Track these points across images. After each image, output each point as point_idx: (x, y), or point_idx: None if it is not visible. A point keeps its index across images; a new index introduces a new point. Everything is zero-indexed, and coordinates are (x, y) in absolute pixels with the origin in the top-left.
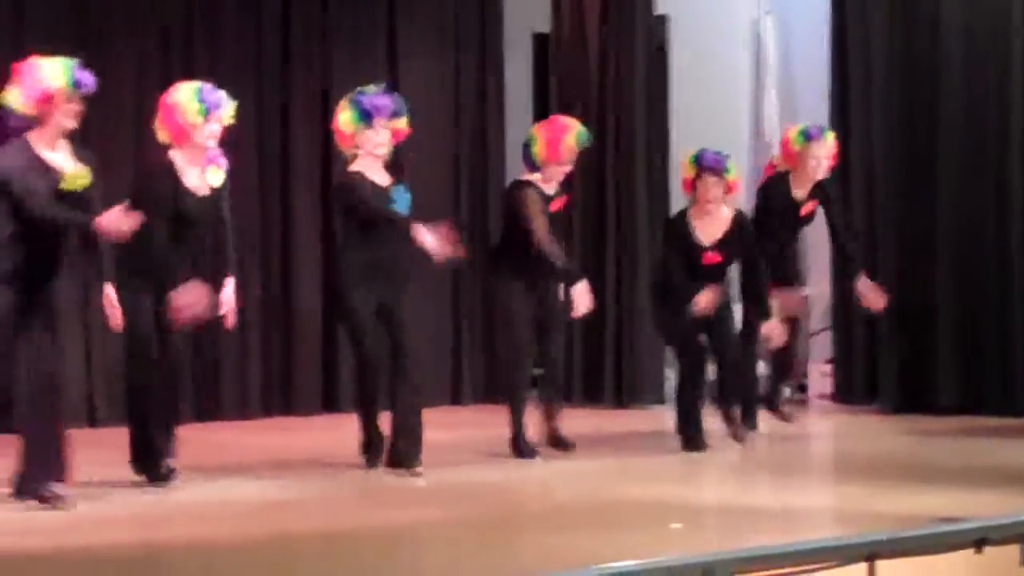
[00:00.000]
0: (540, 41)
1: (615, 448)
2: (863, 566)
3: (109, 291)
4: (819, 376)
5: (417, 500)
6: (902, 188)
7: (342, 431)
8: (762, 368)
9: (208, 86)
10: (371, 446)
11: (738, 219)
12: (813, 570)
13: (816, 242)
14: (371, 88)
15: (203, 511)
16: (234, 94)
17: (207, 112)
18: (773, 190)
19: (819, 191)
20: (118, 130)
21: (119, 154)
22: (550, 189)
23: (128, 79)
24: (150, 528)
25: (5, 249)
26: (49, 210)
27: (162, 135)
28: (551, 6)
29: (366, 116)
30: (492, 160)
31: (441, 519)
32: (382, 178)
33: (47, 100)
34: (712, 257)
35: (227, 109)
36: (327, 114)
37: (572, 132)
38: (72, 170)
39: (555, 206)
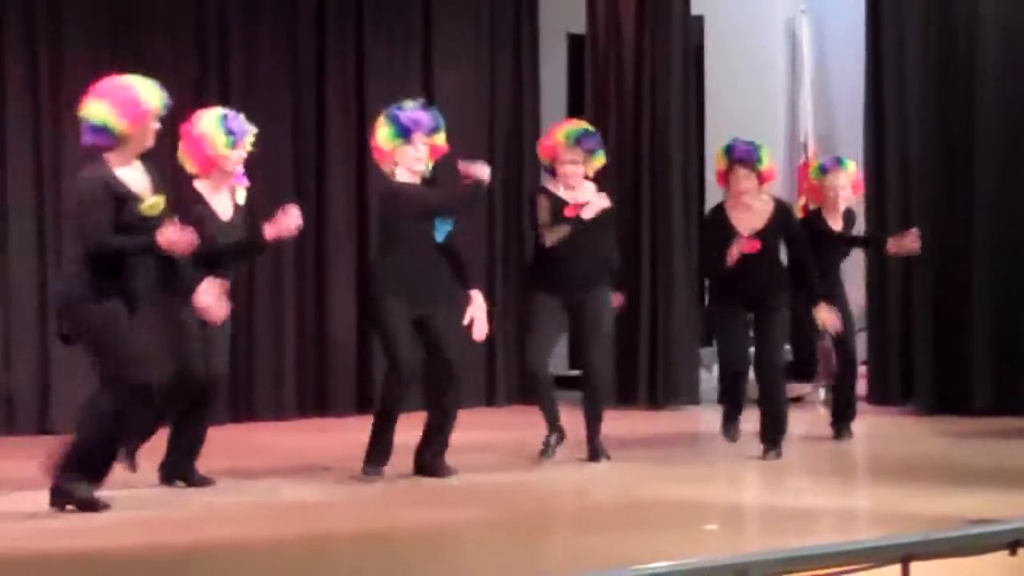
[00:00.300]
0: (575, 42)
1: (649, 449)
2: (897, 568)
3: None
4: None
5: (451, 501)
6: (937, 188)
7: None
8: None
9: (231, 113)
10: (379, 455)
11: (779, 208)
12: (847, 571)
13: None
14: (409, 103)
15: (237, 512)
16: (270, 99)
17: (234, 143)
18: (812, 227)
19: (848, 218)
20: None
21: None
22: (567, 193)
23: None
24: (185, 530)
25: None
26: (114, 243)
27: (189, 166)
28: (586, 7)
29: (405, 132)
30: (527, 162)
31: (475, 519)
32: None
33: (141, 119)
34: (751, 244)
35: (250, 136)
36: (362, 117)
37: (560, 130)
38: (151, 198)
39: (570, 211)
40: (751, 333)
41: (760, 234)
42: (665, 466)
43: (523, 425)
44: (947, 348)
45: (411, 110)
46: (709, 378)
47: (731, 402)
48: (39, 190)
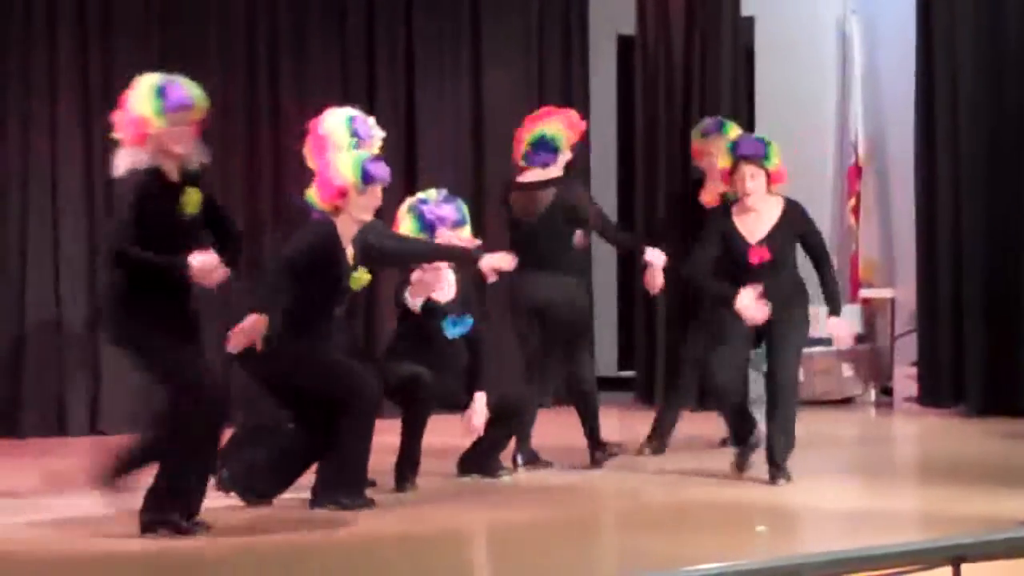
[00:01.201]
0: (625, 43)
1: (697, 450)
2: (948, 570)
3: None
4: (904, 379)
5: (500, 501)
6: (988, 188)
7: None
8: (848, 371)
9: (359, 116)
10: (412, 467)
11: (789, 208)
12: (898, 573)
13: (902, 244)
14: (432, 194)
15: (287, 514)
16: (319, 99)
17: (357, 145)
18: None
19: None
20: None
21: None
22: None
23: (215, 96)
24: (237, 532)
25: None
26: (139, 257)
27: (311, 164)
28: (636, 8)
29: (429, 227)
30: (576, 163)
31: (525, 520)
32: (443, 292)
33: (189, 110)
34: (760, 253)
35: (377, 140)
36: (411, 118)
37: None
38: (188, 194)
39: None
40: (752, 351)
41: (768, 239)
42: (714, 467)
43: (569, 426)
44: (998, 349)
45: (435, 204)
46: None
47: (735, 436)
48: (90, 190)
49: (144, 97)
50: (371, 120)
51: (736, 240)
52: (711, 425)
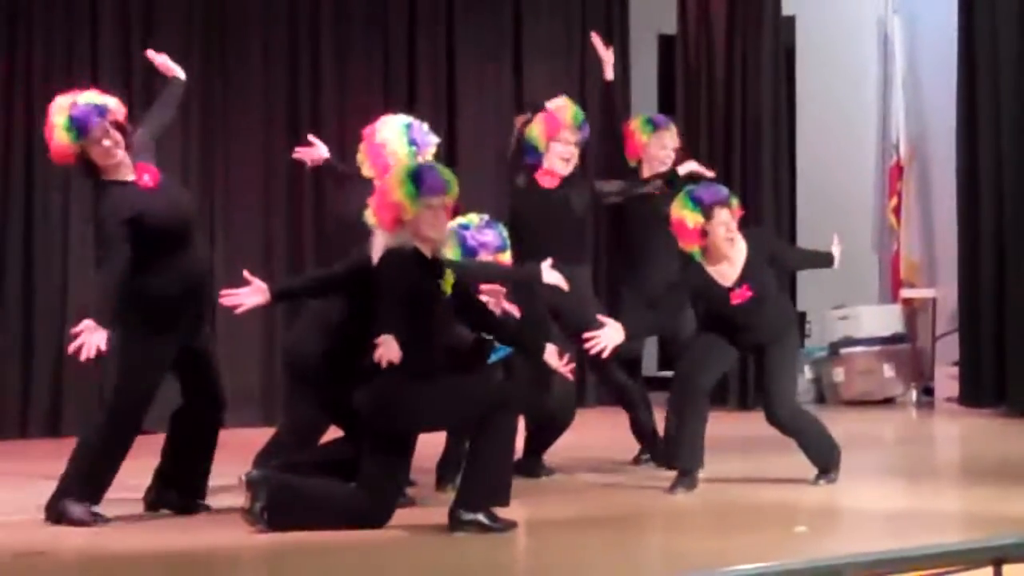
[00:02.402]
0: (666, 43)
1: (739, 451)
2: (989, 571)
3: None
4: (946, 379)
5: (541, 501)
6: None
7: None
8: (889, 371)
9: (416, 123)
10: (453, 467)
11: (749, 238)
12: (939, 574)
13: (943, 244)
14: (474, 219)
15: None
16: (360, 99)
17: (415, 154)
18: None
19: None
20: (248, 137)
21: (249, 157)
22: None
23: (256, 97)
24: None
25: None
26: (101, 280)
27: (366, 170)
28: (677, 8)
29: (470, 253)
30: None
31: (566, 519)
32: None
33: (442, 195)
34: (741, 295)
35: (432, 147)
36: (453, 118)
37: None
38: (446, 275)
39: None
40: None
41: (744, 278)
42: (754, 468)
43: (611, 426)
44: None
45: (477, 230)
46: (801, 380)
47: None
48: None
49: (399, 182)
50: (425, 126)
51: (714, 289)
52: (751, 425)
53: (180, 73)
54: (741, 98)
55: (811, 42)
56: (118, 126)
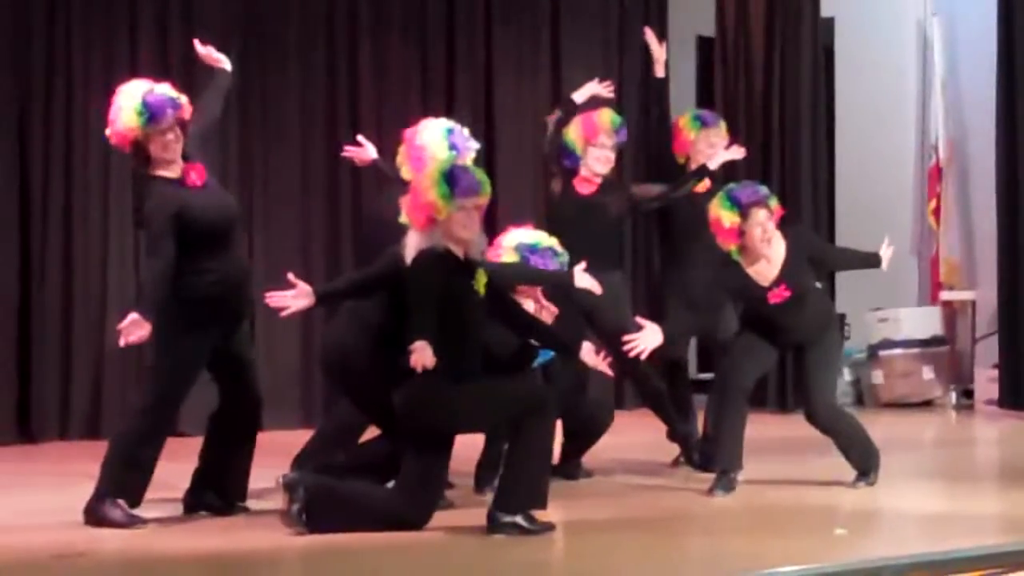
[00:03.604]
0: (704, 44)
1: (778, 453)
2: None
3: None
4: (985, 381)
5: (581, 503)
6: None
7: None
8: (928, 373)
9: (456, 127)
10: (491, 469)
11: (790, 237)
12: None
13: (982, 246)
14: (543, 241)
15: None
16: (398, 100)
17: (456, 159)
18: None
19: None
20: (283, 141)
21: (287, 158)
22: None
23: (294, 97)
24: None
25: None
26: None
27: (405, 173)
28: (715, 10)
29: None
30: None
31: (603, 522)
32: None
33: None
34: (780, 293)
35: (472, 152)
36: (490, 120)
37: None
38: (479, 275)
39: None
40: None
41: (783, 277)
42: (793, 469)
43: (649, 428)
44: None
45: (541, 254)
46: (840, 382)
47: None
48: None
49: (433, 183)
50: (466, 131)
51: (752, 288)
52: (790, 427)
53: (227, 64)
54: (780, 100)
55: (850, 44)
56: (182, 125)
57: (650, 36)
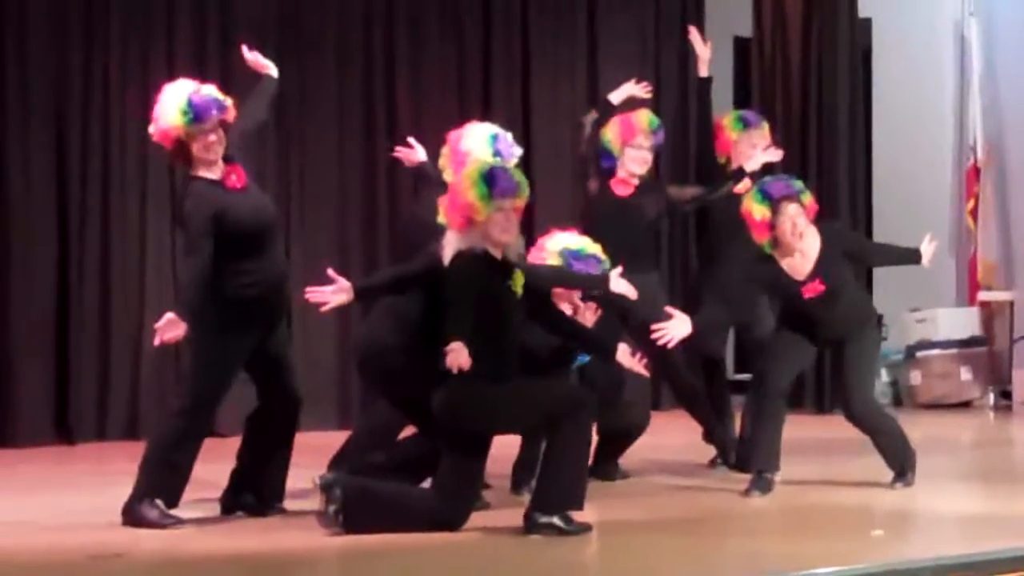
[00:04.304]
0: (741, 45)
1: (815, 454)
2: None
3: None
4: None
5: (616, 503)
6: None
7: None
8: (966, 374)
9: (501, 133)
10: (528, 470)
11: (825, 233)
12: None
13: (1021, 246)
14: (587, 247)
15: None
16: (435, 99)
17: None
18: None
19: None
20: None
21: (324, 159)
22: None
23: (331, 95)
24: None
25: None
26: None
27: (448, 176)
28: (752, 10)
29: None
30: (692, 164)
31: (640, 522)
32: None
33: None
34: (814, 288)
35: (515, 159)
36: (527, 120)
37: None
38: (516, 275)
39: None
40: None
41: (817, 272)
42: (831, 471)
43: (686, 429)
44: None
45: (586, 261)
46: (877, 383)
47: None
48: None
49: (472, 183)
50: (510, 136)
51: (786, 283)
52: (827, 428)
53: (273, 70)
54: (817, 101)
55: (888, 44)
56: (225, 126)
57: (695, 36)
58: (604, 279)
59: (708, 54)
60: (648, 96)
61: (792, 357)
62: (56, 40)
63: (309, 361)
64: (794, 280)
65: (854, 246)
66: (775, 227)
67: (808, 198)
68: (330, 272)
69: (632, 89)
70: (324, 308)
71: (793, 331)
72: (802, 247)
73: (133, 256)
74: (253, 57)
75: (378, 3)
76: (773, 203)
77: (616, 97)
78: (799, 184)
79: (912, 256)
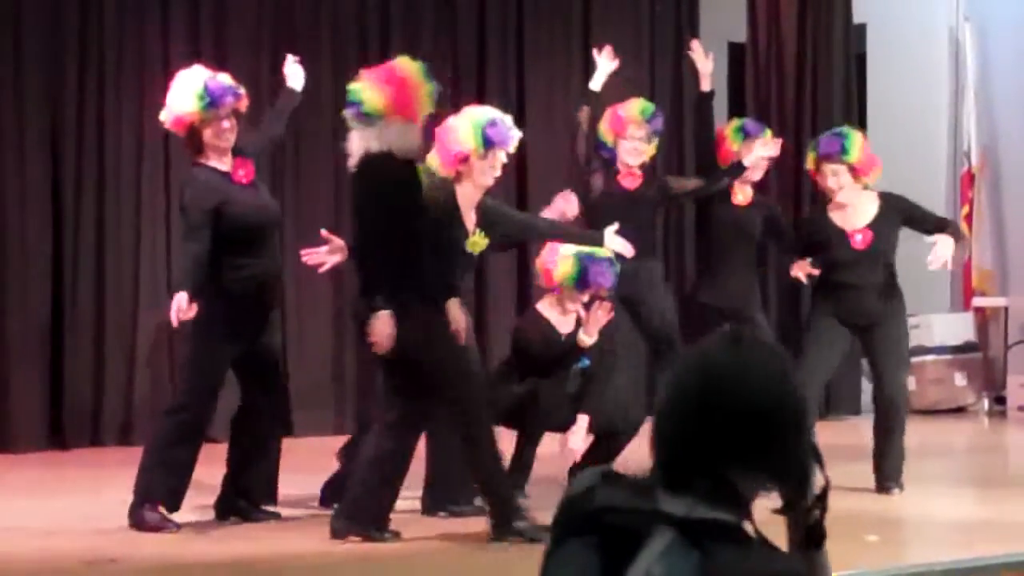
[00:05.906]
0: (736, 51)
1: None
2: None
3: None
4: (1018, 388)
5: None
6: None
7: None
8: (960, 380)
9: (498, 118)
10: (524, 468)
11: (885, 199)
12: None
13: (1015, 252)
14: (604, 255)
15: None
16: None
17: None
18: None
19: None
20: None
21: (318, 158)
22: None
23: (326, 88)
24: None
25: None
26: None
27: (435, 162)
28: (747, 16)
29: (584, 283)
30: (688, 169)
31: None
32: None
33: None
34: (864, 237)
35: (512, 143)
36: (521, 122)
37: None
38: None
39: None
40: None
41: (871, 227)
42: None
43: None
44: None
45: (603, 268)
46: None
47: None
48: None
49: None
50: (508, 119)
51: (831, 232)
52: (824, 433)
53: (299, 84)
54: (811, 106)
55: (882, 49)
56: (238, 116)
57: (697, 49)
58: (600, 237)
59: (710, 67)
60: (614, 63)
61: (822, 367)
62: (50, 40)
63: (303, 366)
64: (841, 229)
65: (914, 212)
66: (817, 182)
67: (854, 158)
68: (324, 232)
69: (606, 67)
70: (321, 269)
71: (823, 328)
72: (854, 203)
73: (127, 262)
74: (293, 68)
75: (372, 3)
76: (817, 158)
77: (596, 83)
78: (846, 143)
79: (948, 225)
